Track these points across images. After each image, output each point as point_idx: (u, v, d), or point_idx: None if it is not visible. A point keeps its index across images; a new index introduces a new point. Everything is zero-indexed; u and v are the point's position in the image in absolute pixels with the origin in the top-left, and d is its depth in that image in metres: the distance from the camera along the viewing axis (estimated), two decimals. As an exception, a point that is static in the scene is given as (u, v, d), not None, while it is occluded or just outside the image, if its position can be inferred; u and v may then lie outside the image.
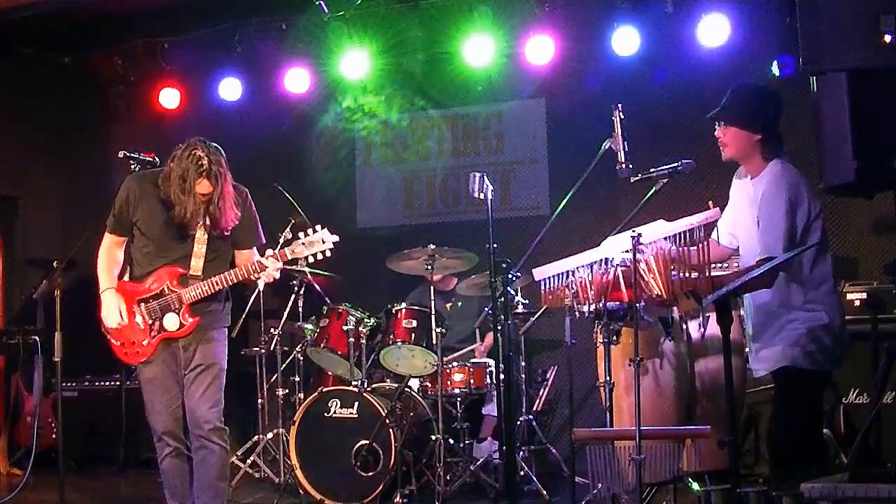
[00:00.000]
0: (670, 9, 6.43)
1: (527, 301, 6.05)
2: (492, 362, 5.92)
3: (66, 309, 5.15)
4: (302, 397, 6.13)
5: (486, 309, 5.53)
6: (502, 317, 4.51)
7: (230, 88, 7.66)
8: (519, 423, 5.95)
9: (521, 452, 5.87)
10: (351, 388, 5.71)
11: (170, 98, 7.87)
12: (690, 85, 6.56)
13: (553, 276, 4.04)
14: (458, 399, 5.95)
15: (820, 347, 3.89)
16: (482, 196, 4.52)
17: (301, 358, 6.37)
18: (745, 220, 4.11)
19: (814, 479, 3.36)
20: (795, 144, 4.33)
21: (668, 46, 6.63)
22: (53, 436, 6.70)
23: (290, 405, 6.27)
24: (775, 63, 6.12)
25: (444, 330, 5.75)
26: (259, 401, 6.50)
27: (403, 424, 5.55)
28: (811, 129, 3.84)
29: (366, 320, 5.97)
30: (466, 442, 5.92)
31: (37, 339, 6.69)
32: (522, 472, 5.79)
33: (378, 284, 6.89)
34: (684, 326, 4.20)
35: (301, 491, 5.69)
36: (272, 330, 6.41)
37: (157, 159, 4.82)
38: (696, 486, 4.08)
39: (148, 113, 7.99)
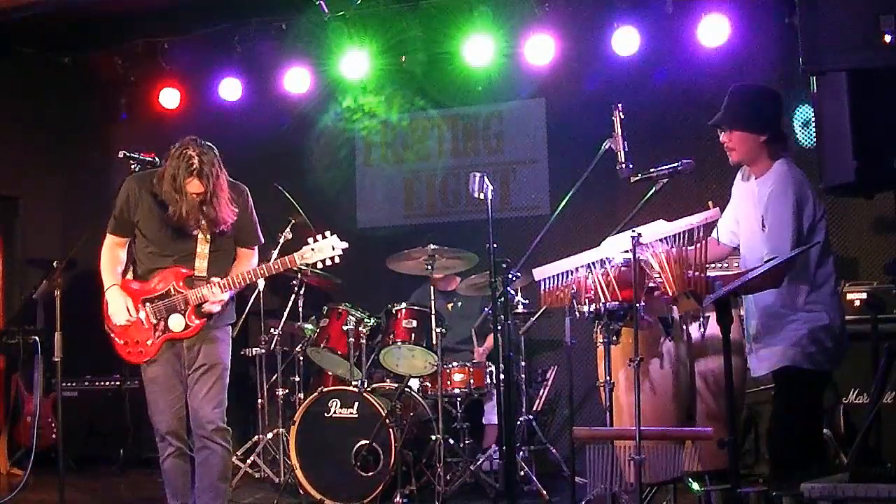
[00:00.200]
0: (670, 9, 6.42)
1: (527, 301, 6.05)
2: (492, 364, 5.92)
3: (66, 309, 5.15)
4: (302, 397, 6.13)
5: (487, 309, 5.53)
6: (502, 317, 4.51)
7: (230, 88, 7.66)
8: (519, 423, 5.95)
9: (521, 452, 5.87)
10: (351, 388, 5.71)
11: (170, 98, 7.86)
12: (690, 85, 6.56)
13: (553, 276, 4.04)
14: (458, 399, 5.95)
15: (820, 348, 3.89)
16: (482, 196, 4.52)
17: (301, 358, 6.36)
18: (747, 219, 4.11)
19: (814, 479, 3.36)
20: (793, 146, 4.32)
21: (668, 46, 6.63)
22: (53, 436, 6.70)
23: (290, 405, 6.27)
24: None
25: (443, 330, 5.75)
26: (259, 401, 6.50)
27: (403, 424, 5.55)
28: (811, 128, 3.84)
29: (366, 320, 5.97)
30: (466, 442, 5.92)
31: (37, 339, 6.69)
32: (522, 472, 5.80)
33: (378, 284, 6.89)
34: (684, 326, 4.20)
35: (301, 491, 5.69)
36: (272, 330, 6.41)
37: (157, 159, 4.81)
38: (696, 486, 4.08)
39: (148, 113, 7.99)
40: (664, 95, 6.65)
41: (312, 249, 4.51)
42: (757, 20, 6.39)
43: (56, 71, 8.00)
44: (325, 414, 5.71)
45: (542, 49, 6.77)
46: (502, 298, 4.55)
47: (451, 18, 7.04)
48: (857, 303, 5.26)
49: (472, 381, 5.91)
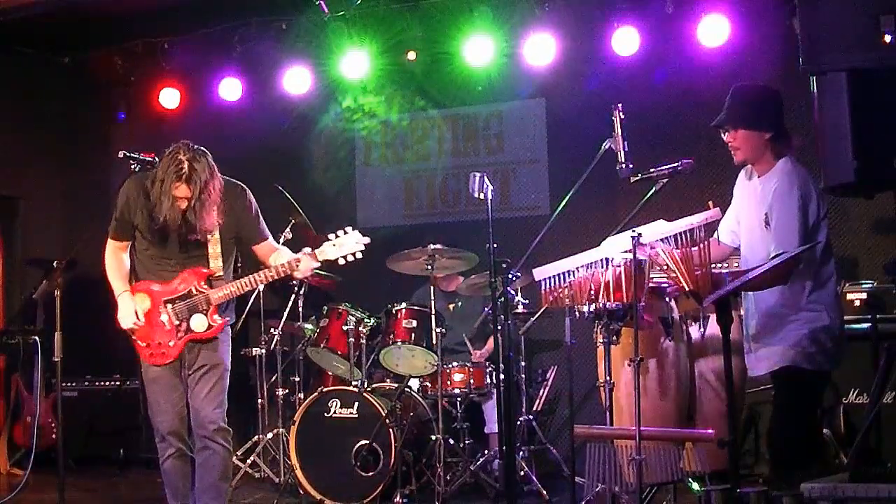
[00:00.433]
0: (670, 9, 6.42)
1: (527, 301, 6.05)
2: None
3: (66, 309, 5.14)
4: (302, 397, 6.13)
5: (486, 309, 5.53)
6: (502, 317, 4.51)
7: (230, 88, 7.65)
8: (519, 423, 5.95)
9: (521, 452, 5.87)
10: (351, 388, 5.71)
11: (170, 98, 7.86)
12: (690, 85, 6.56)
13: (553, 276, 4.05)
14: (458, 399, 5.95)
15: (820, 348, 3.89)
16: (482, 196, 4.52)
17: (301, 358, 6.36)
18: (749, 218, 4.12)
19: (814, 479, 3.36)
20: (795, 144, 4.32)
21: (668, 46, 6.62)
22: (53, 436, 6.69)
23: (290, 405, 6.27)
24: None
25: (443, 330, 5.75)
26: (259, 401, 6.50)
27: (403, 424, 5.56)
28: (811, 128, 3.84)
29: (366, 320, 5.97)
30: (466, 442, 5.92)
31: (37, 339, 6.68)
32: (522, 472, 5.79)
33: (378, 284, 6.89)
34: (684, 326, 4.21)
35: (301, 491, 5.69)
36: (272, 330, 6.41)
37: (157, 159, 4.78)
38: (696, 486, 4.08)
39: (148, 113, 7.99)
40: (664, 95, 6.65)
41: (334, 245, 4.45)
42: (757, 20, 6.38)
43: (56, 71, 8.00)
44: (325, 414, 5.71)
45: (542, 49, 6.77)
46: (502, 298, 4.55)
47: (451, 18, 7.04)
48: (857, 303, 5.26)
49: (472, 381, 5.91)
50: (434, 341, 5.71)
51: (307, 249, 4.49)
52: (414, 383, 5.98)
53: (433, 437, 5.60)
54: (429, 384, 5.98)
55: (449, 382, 5.89)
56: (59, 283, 5.20)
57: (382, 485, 5.46)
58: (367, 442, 5.50)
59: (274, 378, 6.40)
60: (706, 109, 4.12)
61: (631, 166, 4.06)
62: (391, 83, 7.66)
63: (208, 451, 4.45)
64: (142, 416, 6.83)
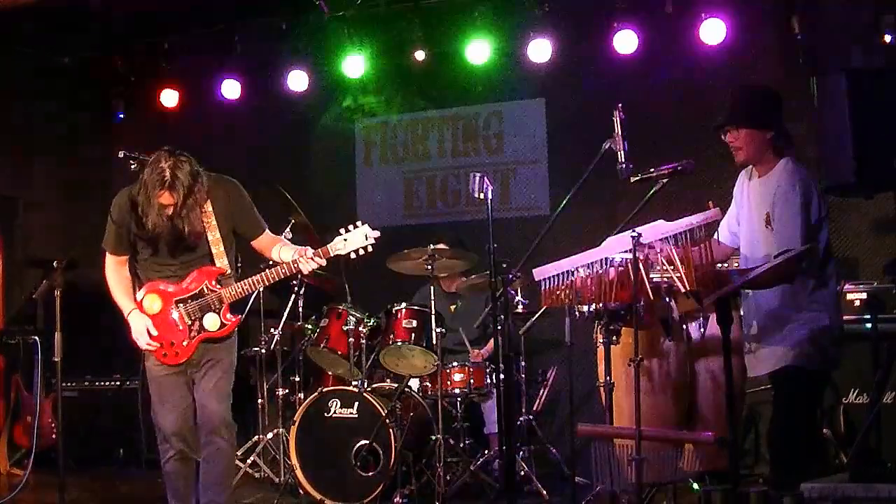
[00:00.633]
0: (670, 9, 6.42)
1: (527, 301, 6.05)
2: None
3: (66, 309, 5.14)
4: (302, 397, 6.13)
5: (486, 309, 5.52)
6: (502, 317, 4.51)
7: (230, 88, 7.66)
8: (519, 423, 5.95)
9: (521, 452, 5.87)
10: (351, 388, 5.71)
11: (170, 98, 7.86)
12: (690, 85, 6.56)
13: (553, 276, 4.04)
14: (458, 399, 5.95)
15: (820, 348, 3.89)
16: (482, 196, 4.52)
17: (301, 358, 6.36)
18: (749, 218, 4.12)
19: (814, 479, 3.36)
20: (795, 144, 4.33)
21: (668, 46, 6.63)
22: (53, 436, 6.69)
23: (290, 405, 6.26)
24: None
25: (443, 330, 5.75)
26: (259, 401, 6.50)
27: (403, 424, 5.55)
28: (811, 128, 3.84)
29: (366, 320, 5.97)
30: (466, 442, 5.92)
31: (37, 339, 6.67)
32: (522, 472, 5.79)
33: (378, 284, 6.89)
34: (684, 326, 4.20)
35: (301, 491, 5.69)
36: (272, 330, 6.41)
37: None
38: (696, 486, 4.08)
39: (148, 113, 7.99)
40: (664, 95, 6.65)
41: (345, 240, 4.46)
42: (757, 20, 6.39)
43: (56, 71, 8.00)
44: (325, 414, 5.71)
45: (541, 49, 6.77)
46: (502, 298, 4.55)
47: (451, 18, 7.05)
48: (857, 303, 5.26)
49: (472, 381, 5.90)
50: (434, 341, 5.71)
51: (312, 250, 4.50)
52: (414, 383, 5.97)
53: (433, 437, 5.60)
54: (429, 384, 5.98)
55: (449, 382, 5.89)
56: (59, 283, 5.19)
57: (382, 485, 5.46)
58: (367, 442, 5.50)
59: (274, 378, 6.40)
60: (706, 109, 4.13)
61: (631, 166, 4.06)
62: (391, 83, 7.66)
63: (213, 447, 4.45)
64: (141, 416, 6.83)
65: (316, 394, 5.77)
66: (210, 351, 4.47)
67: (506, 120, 7.42)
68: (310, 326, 6.27)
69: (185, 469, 4.51)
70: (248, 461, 6.24)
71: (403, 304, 5.98)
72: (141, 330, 4.43)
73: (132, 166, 4.73)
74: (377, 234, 4.50)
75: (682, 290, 3.83)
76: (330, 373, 6.35)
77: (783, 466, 3.93)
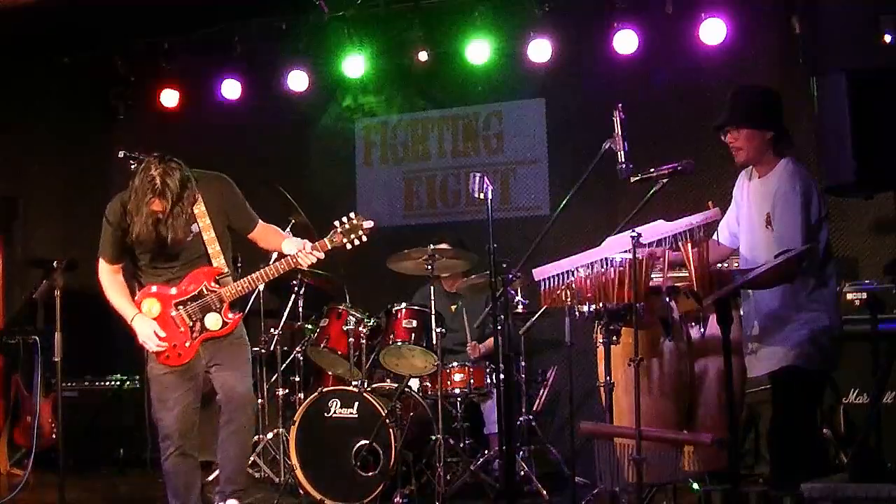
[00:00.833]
0: (670, 9, 6.42)
1: (527, 301, 6.05)
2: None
3: (66, 309, 5.15)
4: (302, 397, 6.13)
5: (486, 309, 5.52)
6: (502, 317, 4.51)
7: (230, 88, 7.66)
8: (519, 423, 5.95)
9: (521, 452, 5.86)
10: (351, 388, 5.71)
11: (170, 98, 7.86)
12: (690, 85, 6.56)
13: (553, 276, 4.05)
14: (458, 399, 5.95)
15: (820, 349, 3.90)
16: (482, 196, 4.52)
17: (301, 358, 6.36)
18: (749, 218, 4.11)
19: (814, 479, 3.36)
20: (795, 144, 4.33)
21: (668, 46, 6.62)
22: (53, 436, 6.69)
23: (290, 405, 6.26)
24: None
25: (443, 330, 5.75)
26: (259, 401, 6.49)
27: (403, 424, 5.55)
28: (811, 128, 3.84)
29: (366, 320, 5.97)
30: (466, 442, 5.92)
31: (37, 339, 6.68)
32: (522, 472, 5.79)
33: (378, 284, 6.89)
34: (684, 326, 4.20)
35: (301, 491, 5.69)
36: (272, 330, 6.41)
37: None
38: (696, 486, 4.08)
39: (148, 113, 7.99)
40: (664, 95, 6.65)
41: (341, 232, 4.54)
42: (757, 20, 6.39)
43: (56, 71, 7.99)
44: (325, 414, 5.70)
45: (542, 49, 6.77)
46: (502, 298, 4.55)
47: (451, 18, 7.04)
48: (857, 303, 5.26)
49: (472, 381, 5.91)
50: (434, 341, 5.71)
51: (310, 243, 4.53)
52: (414, 383, 5.97)
53: (433, 437, 5.60)
54: (429, 384, 5.98)
55: (449, 382, 5.89)
56: (59, 283, 5.20)
57: (382, 485, 5.46)
58: (367, 442, 5.50)
59: (274, 378, 6.40)
60: (706, 109, 4.13)
61: (631, 166, 4.06)
62: (391, 83, 7.66)
63: (233, 425, 4.49)
64: (141, 416, 6.83)
65: (316, 394, 5.77)
66: (222, 348, 4.51)
67: (506, 120, 7.42)
68: (310, 326, 6.27)
69: (185, 466, 4.52)
70: (248, 461, 6.24)
71: (403, 304, 5.98)
72: (148, 333, 4.44)
73: (132, 166, 4.73)
74: (371, 223, 4.58)
75: (681, 290, 3.84)
76: (330, 373, 6.35)
77: (783, 466, 3.93)
